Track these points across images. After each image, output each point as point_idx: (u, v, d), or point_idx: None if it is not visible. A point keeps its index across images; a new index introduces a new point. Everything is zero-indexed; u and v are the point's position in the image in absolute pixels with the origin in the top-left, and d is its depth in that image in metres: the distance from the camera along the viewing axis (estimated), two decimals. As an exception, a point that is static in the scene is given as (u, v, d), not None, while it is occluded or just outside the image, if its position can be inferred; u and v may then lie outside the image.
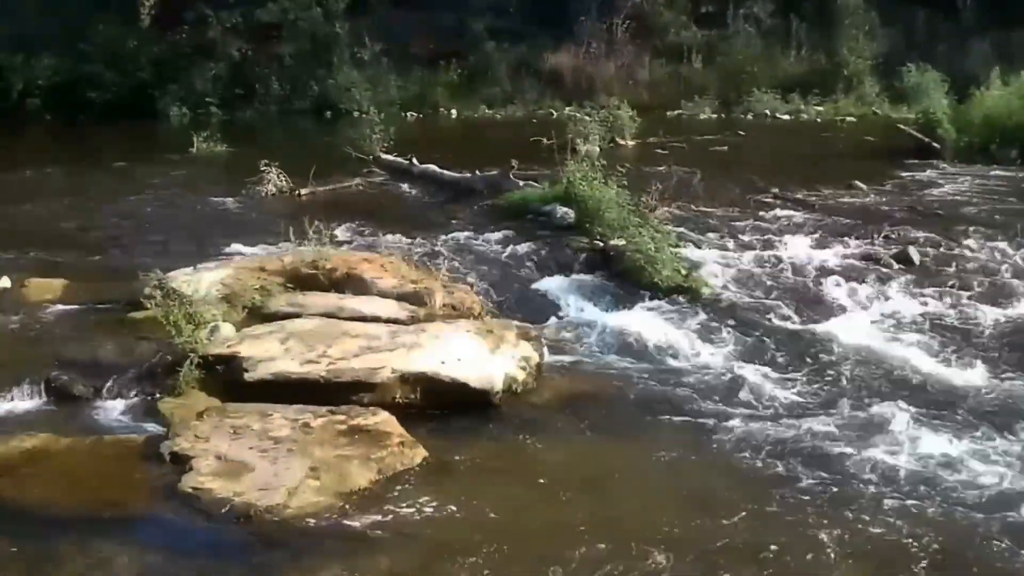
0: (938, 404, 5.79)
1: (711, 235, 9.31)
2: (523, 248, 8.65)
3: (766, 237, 9.30)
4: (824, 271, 8.24)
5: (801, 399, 5.90)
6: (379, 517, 4.44)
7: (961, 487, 4.75)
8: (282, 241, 8.24)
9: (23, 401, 5.63)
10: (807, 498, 4.67)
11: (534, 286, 8.03)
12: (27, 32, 22.17)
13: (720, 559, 4.14)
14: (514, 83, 23.49)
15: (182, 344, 5.84)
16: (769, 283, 7.99)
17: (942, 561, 4.15)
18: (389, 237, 9.12)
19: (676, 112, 21.61)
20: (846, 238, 9.27)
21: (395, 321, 6.59)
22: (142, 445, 5.12)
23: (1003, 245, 9.04)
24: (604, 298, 7.70)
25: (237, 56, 22.57)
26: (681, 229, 9.18)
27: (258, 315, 6.72)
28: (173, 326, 5.93)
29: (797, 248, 8.94)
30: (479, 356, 5.94)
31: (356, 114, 20.61)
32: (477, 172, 11.52)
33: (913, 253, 8.52)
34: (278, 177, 11.76)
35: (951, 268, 8.36)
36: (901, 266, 8.34)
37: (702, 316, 7.25)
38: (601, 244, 8.48)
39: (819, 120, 20.67)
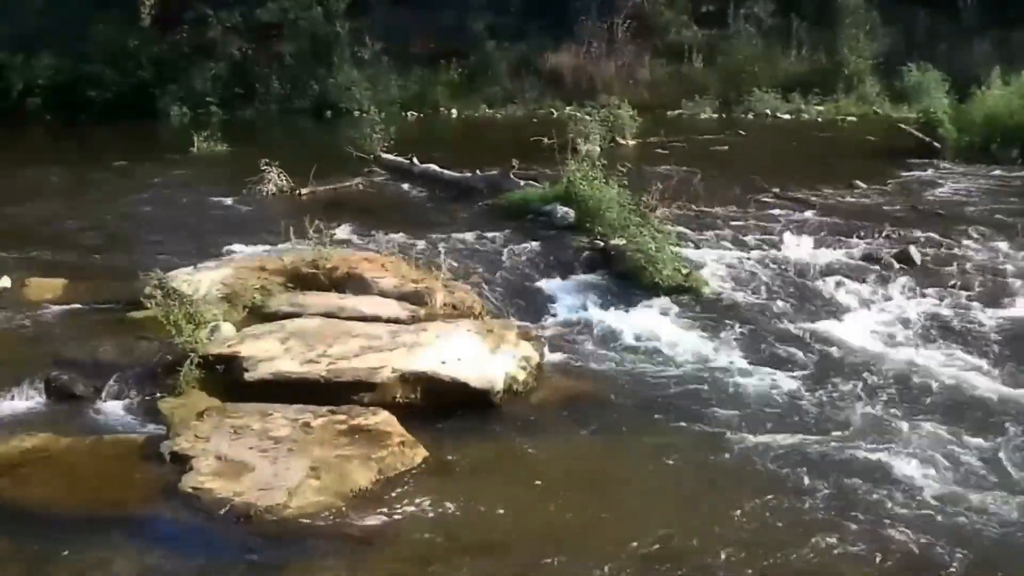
0: (939, 404, 5.78)
1: (712, 235, 9.31)
2: (524, 248, 8.64)
3: (767, 237, 9.29)
4: (825, 271, 8.24)
5: (801, 399, 5.89)
6: (379, 517, 4.44)
7: (962, 487, 4.74)
8: (282, 241, 8.23)
9: (23, 401, 5.64)
10: (807, 498, 4.67)
11: (535, 286, 8.03)
12: (27, 31, 22.17)
13: (720, 559, 4.13)
14: (514, 82, 23.49)
15: (182, 344, 5.84)
16: (770, 283, 7.99)
17: (942, 561, 4.14)
18: (390, 236, 9.11)
19: (677, 112, 21.61)
20: (847, 238, 9.26)
21: (395, 321, 6.58)
22: (142, 445, 5.12)
23: (1004, 245, 9.04)
24: (605, 298, 7.69)
25: (237, 55, 22.57)
26: (682, 229, 9.17)
27: (258, 315, 6.72)
28: (173, 326, 5.92)
29: (798, 248, 8.93)
30: (479, 356, 5.94)
31: (356, 113, 20.63)
32: (477, 172, 11.51)
33: (914, 253, 8.52)
34: (278, 176, 11.76)
35: (952, 268, 8.35)
36: (902, 266, 8.34)
37: (702, 316, 7.25)
38: (602, 244, 8.48)
39: (820, 120, 20.67)
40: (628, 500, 4.74)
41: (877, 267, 8.33)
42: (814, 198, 11.18)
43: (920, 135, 15.20)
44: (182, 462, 4.81)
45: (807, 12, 23.40)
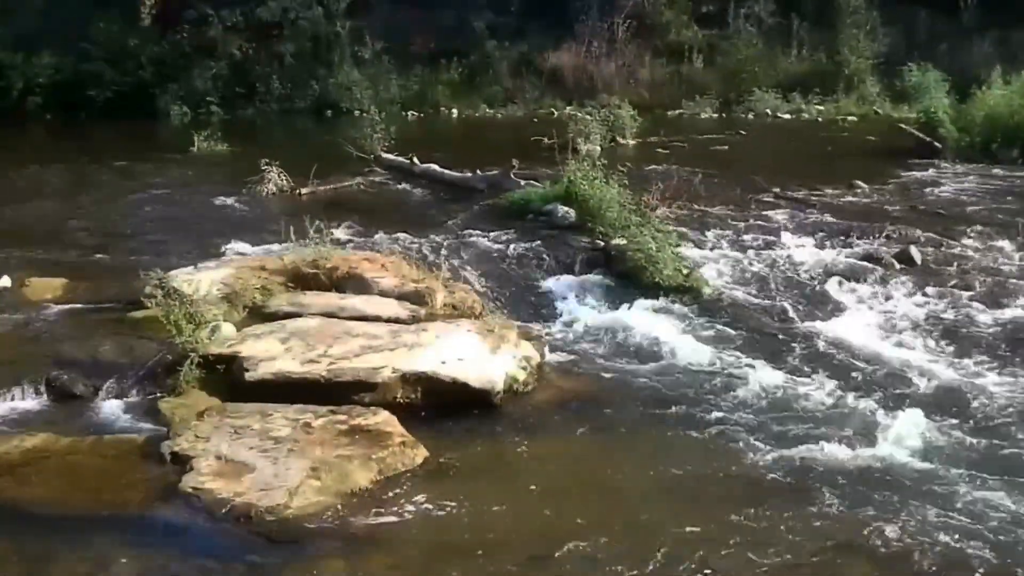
0: (940, 404, 5.78)
1: (712, 235, 9.31)
2: (524, 247, 8.64)
3: (767, 237, 9.29)
4: (825, 271, 8.24)
5: (802, 399, 5.89)
6: (380, 517, 4.44)
7: (963, 488, 4.74)
8: (283, 240, 8.22)
9: (23, 400, 5.63)
10: (808, 498, 4.67)
11: (535, 285, 8.03)
12: (28, 31, 22.13)
13: (721, 559, 4.13)
14: (515, 82, 23.46)
15: (183, 343, 5.84)
16: (770, 283, 7.99)
17: (943, 561, 4.14)
18: (390, 236, 9.11)
19: (677, 111, 21.60)
20: (847, 238, 9.27)
21: (396, 320, 6.58)
22: (142, 445, 5.12)
23: (1004, 245, 9.05)
24: (605, 298, 7.69)
25: (238, 55, 22.53)
26: (682, 229, 9.17)
27: (259, 314, 6.71)
28: (174, 325, 5.92)
29: (798, 248, 8.94)
30: (480, 356, 5.94)
31: (357, 113, 20.59)
32: (478, 171, 11.52)
33: (914, 253, 8.52)
34: (279, 176, 11.74)
35: (952, 268, 8.36)
36: (903, 266, 8.34)
37: (703, 316, 7.25)
38: (602, 243, 8.48)
39: (820, 120, 20.66)
40: (628, 500, 4.74)
41: (877, 267, 8.33)
42: (814, 198, 11.18)
43: (921, 135, 15.20)
44: (182, 462, 4.81)
45: (807, 12, 23.37)
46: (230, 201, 11.45)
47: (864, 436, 5.32)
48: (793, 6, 23.32)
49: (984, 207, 10.87)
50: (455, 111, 22.81)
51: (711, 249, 8.87)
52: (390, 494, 4.63)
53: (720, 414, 5.64)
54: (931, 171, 13.44)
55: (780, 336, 6.95)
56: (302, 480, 4.61)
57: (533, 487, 4.83)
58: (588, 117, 13.96)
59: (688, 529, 4.39)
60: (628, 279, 7.84)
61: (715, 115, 21.57)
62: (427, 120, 21.85)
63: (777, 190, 11.41)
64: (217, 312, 6.42)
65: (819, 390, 6.00)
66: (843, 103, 21.53)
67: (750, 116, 21.08)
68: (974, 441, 5.25)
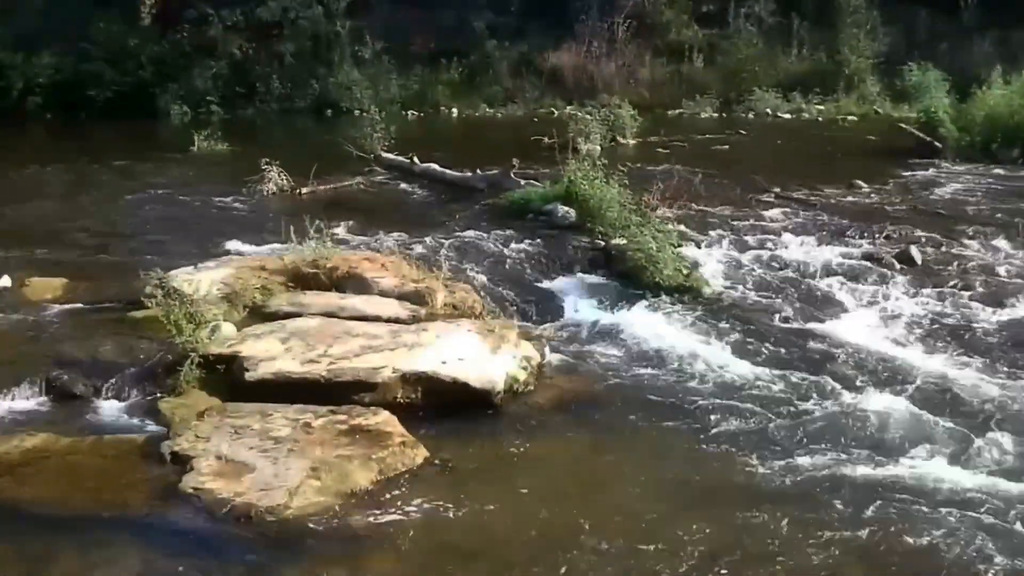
0: (940, 405, 5.77)
1: (712, 234, 9.30)
2: (524, 247, 8.64)
3: (767, 236, 9.29)
4: (826, 271, 8.24)
5: (802, 399, 5.88)
6: (380, 517, 4.44)
7: (964, 488, 4.74)
8: (283, 240, 8.22)
9: (23, 400, 5.62)
10: (808, 498, 4.67)
11: (535, 285, 8.03)
12: (28, 30, 22.13)
13: (721, 560, 4.13)
14: (515, 82, 23.46)
15: (183, 343, 5.83)
16: (770, 283, 7.99)
17: (943, 561, 4.14)
18: (390, 236, 9.11)
19: (677, 111, 21.61)
20: (848, 238, 9.27)
21: (396, 320, 6.58)
22: (142, 445, 5.11)
23: (1005, 245, 9.05)
24: (605, 297, 7.69)
25: (238, 55, 22.54)
26: (682, 228, 9.16)
27: (259, 314, 6.71)
28: (174, 325, 5.91)
29: (798, 248, 8.94)
30: (480, 356, 5.93)
31: (357, 113, 20.60)
32: (478, 171, 11.51)
33: (915, 253, 8.52)
34: (279, 176, 11.74)
35: (953, 268, 8.35)
36: (903, 266, 8.34)
37: (703, 316, 7.23)
38: (602, 243, 8.48)
39: (820, 119, 20.66)
40: (628, 500, 4.73)
41: (878, 267, 8.33)
42: (815, 198, 11.19)
43: (921, 135, 15.20)
44: (182, 462, 4.80)
45: (808, 11, 23.38)
46: (230, 201, 11.45)
47: (865, 437, 5.32)
48: (793, 5, 23.33)
49: (984, 207, 10.87)
50: (455, 111, 22.81)
51: (711, 249, 8.86)
52: (390, 494, 4.63)
53: (720, 414, 5.64)
54: (931, 171, 13.44)
55: (780, 336, 6.94)
56: (302, 480, 4.61)
57: (533, 487, 4.82)
58: (588, 117, 13.97)
59: (688, 530, 4.38)
60: (628, 279, 7.84)
61: (715, 115, 21.57)
62: (427, 120, 21.85)
63: (777, 190, 11.41)
64: (217, 312, 6.41)
65: (819, 390, 6.00)
66: (843, 103, 21.54)
67: (750, 116, 21.08)
68: (975, 441, 5.24)
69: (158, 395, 5.67)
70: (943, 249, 8.89)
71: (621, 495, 4.80)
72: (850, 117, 20.55)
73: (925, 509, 4.54)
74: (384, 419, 5.22)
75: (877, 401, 5.79)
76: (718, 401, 5.84)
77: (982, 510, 4.52)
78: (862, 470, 4.93)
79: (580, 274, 8.19)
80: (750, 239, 9.20)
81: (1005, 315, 7.32)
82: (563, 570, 4.07)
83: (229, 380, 5.72)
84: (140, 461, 4.95)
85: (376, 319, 6.56)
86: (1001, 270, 8.33)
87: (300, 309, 6.71)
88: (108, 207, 11.40)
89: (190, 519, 4.40)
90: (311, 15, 22.63)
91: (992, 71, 16.66)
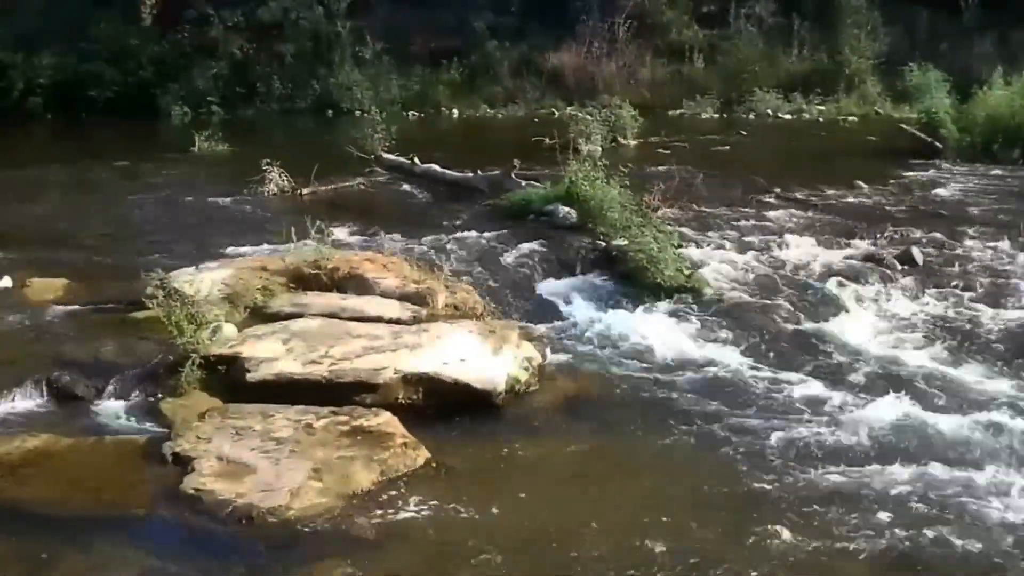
0: (941, 405, 5.78)
1: (713, 235, 9.30)
2: (525, 248, 8.63)
3: (768, 237, 9.29)
4: (826, 271, 8.24)
5: (803, 400, 5.88)
6: (382, 518, 4.44)
7: (965, 489, 4.73)
8: (284, 241, 8.22)
9: (24, 401, 5.61)
10: (809, 500, 4.66)
11: (536, 286, 8.02)
12: (28, 30, 22.13)
13: (722, 560, 4.13)
14: (515, 82, 23.43)
15: (184, 344, 5.83)
16: (771, 283, 7.99)
17: (943, 562, 4.14)
18: (391, 237, 9.11)
19: (678, 112, 21.58)
20: (848, 238, 9.27)
21: (397, 321, 6.57)
22: (144, 446, 5.11)
23: (1006, 245, 9.05)
24: (607, 298, 7.69)
25: (238, 55, 22.52)
26: (683, 229, 9.17)
27: (260, 315, 6.70)
28: (175, 326, 5.91)
29: (799, 248, 8.94)
30: (482, 357, 5.93)
31: (357, 113, 20.57)
32: (479, 172, 11.50)
33: (916, 253, 8.52)
34: (280, 176, 11.73)
35: (954, 268, 8.35)
36: (904, 266, 8.34)
37: (704, 316, 7.24)
38: (603, 244, 8.47)
39: (821, 120, 20.64)
40: (630, 501, 4.73)
41: (879, 267, 8.32)
42: (815, 198, 11.18)
43: (922, 135, 15.18)
44: (184, 463, 4.80)
45: (808, 12, 23.34)
46: (231, 201, 11.45)
47: (865, 437, 5.31)
48: (794, 6, 23.29)
49: (985, 207, 10.87)
50: (456, 111, 22.80)
51: (712, 249, 8.86)
52: (392, 495, 4.63)
53: (721, 415, 5.64)
54: (932, 171, 13.43)
55: (781, 337, 6.94)
56: (304, 481, 4.60)
57: (535, 488, 4.82)
58: (589, 117, 13.96)
59: (689, 530, 4.39)
60: (629, 280, 7.84)
61: (716, 115, 21.55)
62: (428, 120, 21.84)
63: (778, 190, 11.40)
64: (218, 313, 6.41)
65: (820, 391, 6.00)
66: (844, 103, 21.51)
67: (751, 116, 21.06)
68: (977, 442, 5.24)
69: (159, 396, 5.66)
70: (944, 250, 8.88)
71: (622, 496, 4.80)
72: (851, 117, 20.53)
73: (925, 509, 4.54)
74: (385, 420, 5.22)
75: (877, 402, 5.79)
76: (719, 402, 5.84)
77: (982, 510, 4.52)
78: (863, 471, 4.93)
79: (581, 275, 8.19)
80: (751, 240, 9.20)
81: (1006, 315, 7.32)
82: (564, 571, 4.07)
83: (230, 381, 5.72)
84: (141, 462, 4.95)
85: (377, 320, 6.56)
86: (1002, 270, 8.33)
87: (301, 310, 6.71)
88: (109, 207, 11.40)
89: (191, 520, 4.40)
90: (312, 15, 22.62)
91: (993, 71, 16.63)
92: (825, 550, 4.22)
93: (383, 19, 23.58)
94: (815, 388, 6.04)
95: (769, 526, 4.41)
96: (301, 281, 7.24)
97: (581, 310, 7.56)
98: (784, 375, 6.26)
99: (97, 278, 7.80)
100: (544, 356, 6.35)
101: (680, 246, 8.25)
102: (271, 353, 5.86)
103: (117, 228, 10.35)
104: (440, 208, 10.90)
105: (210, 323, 6.18)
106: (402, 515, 4.47)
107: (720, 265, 8.36)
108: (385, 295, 7.06)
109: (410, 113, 22.07)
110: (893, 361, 6.50)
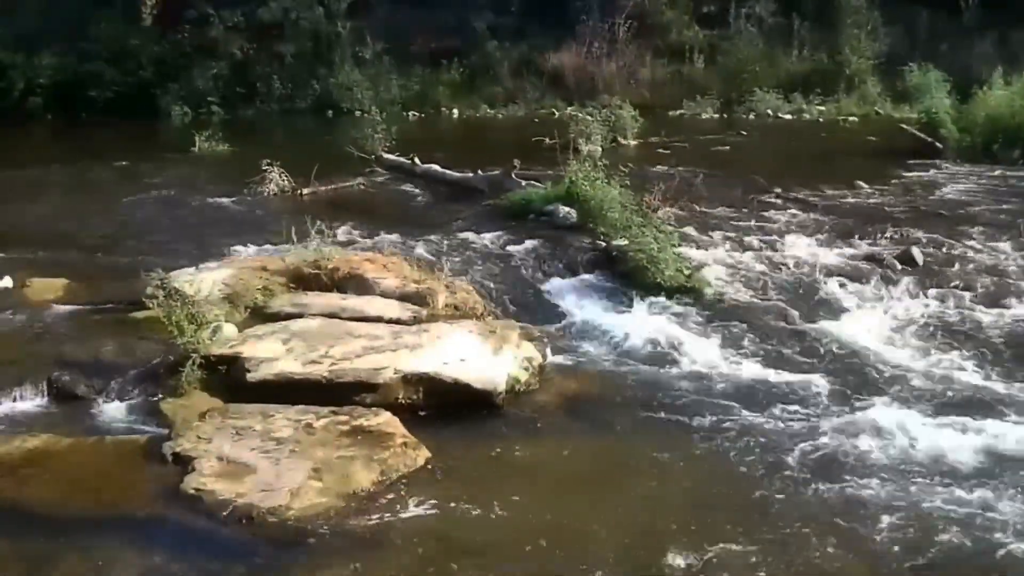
0: (941, 405, 5.78)
1: (714, 235, 9.30)
2: (526, 248, 8.63)
3: (769, 237, 9.29)
4: (827, 271, 8.23)
5: (803, 400, 5.89)
6: (382, 518, 4.44)
7: (965, 489, 4.74)
8: (284, 241, 8.22)
9: (24, 401, 5.62)
10: (809, 500, 4.67)
11: (537, 286, 8.02)
12: (28, 30, 22.13)
13: (722, 560, 4.13)
14: (516, 82, 23.43)
15: (184, 344, 5.83)
16: (772, 283, 7.98)
17: (943, 563, 4.14)
18: (391, 237, 9.10)
19: (678, 112, 21.57)
20: (849, 238, 9.26)
21: (397, 321, 6.58)
22: (144, 446, 5.12)
23: (1006, 245, 9.04)
24: (607, 298, 7.69)
25: (239, 55, 22.53)
26: (684, 229, 9.16)
27: (260, 315, 6.71)
28: (175, 326, 5.92)
29: (800, 248, 8.92)
30: (482, 357, 5.93)
31: (358, 113, 20.58)
32: (479, 172, 11.50)
33: (916, 253, 8.51)
34: (280, 176, 11.74)
35: (954, 268, 8.34)
36: (904, 266, 8.33)
37: (705, 316, 7.24)
38: (604, 244, 8.47)
39: (821, 120, 20.64)
40: (631, 501, 4.74)
41: (879, 267, 8.32)
42: (816, 198, 11.18)
43: (922, 135, 15.18)
44: (184, 463, 4.81)
45: (808, 12, 23.34)
46: (231, 201, 11.45)
47: (865, 438, 5.31)
48: (794, 6, 23.29)
49: (985, 208, 10.86)
50: (456, 111, 22.81)
51: (712, 249, 8.85)
52: (392, 495, 4.63)
53: (722, 415, 5.64)
54: (932, 172, 13.42)
55: (781, 337, 6.94)
56: (304, 481, 4.61)
57: (535, 488, 4.82)
58: (589, 117, 13.97)
59: (690, 530, 4.39)
60: (630, 280, 7.83)
61: (716, 115, 21.55)
62: (428, 120, 21.85)
63: (778, 190, 11.40)
64: (219, 313, 6.41)
65: (820, 391, 6.00)
66: (844, 103, 21.50)
67: (751, 116, 21.06)
68: (977, 442, 5.24)
69: (159, 396, 5.67)
70: (944, 250, 8.88)
71: (622, 496, 4.80)
72: (851, 118, 20.52)
73: (924, 510, 4.54)
74: (386, 420, 5.23)
75: (878, 402, 5.79)
76: (719, 402, 5.84)
77: (982, 510, 4.52)
78: (863, 472, 4.93)
79: (581, 275, 8.18)
80: (751, 239, 9.19)
81: (1007, 316, 7.32)
82: (565, 571, 4.07)
83: (230, 381, 5.72)
84: (142, 462, 4.96)
85: (378, 320, 6.56)
86: (1002, 271, 8.32)
87: (301, 310, 6.71)
88: (109, 207, 11.40)
89: (192, 520, 4.41)
90: (312, 15, 22.63)
91: (993, 71, 16.62)
92: (825, 550, 4.23)
93: (383, 19, 23.58)
94: (815, 388, 6.04)
95: (769, 526, 4.41)
96: (301, 281, 7.25)
97: (581, 310, 7.56)
98: (784, 375, 6.26)
99: (97, 278, 7.80)
100: (544, 356, 6.35)
101: (680, 246, 8.24)
102: (271, 353, 5.87)
103: (117, 228, 10.34)
104: (440, 208, 10.90)
105: (210, 323, 6.18)
106: (402, 515, 4.47)
107: (720, 265, 8.35)
108: (385, 295, 7.07)
109: (410, 113, 22.08)
110: (893, 361, 6.50)
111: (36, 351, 6.14)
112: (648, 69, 23.39)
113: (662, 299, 7.49)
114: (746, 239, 9.21)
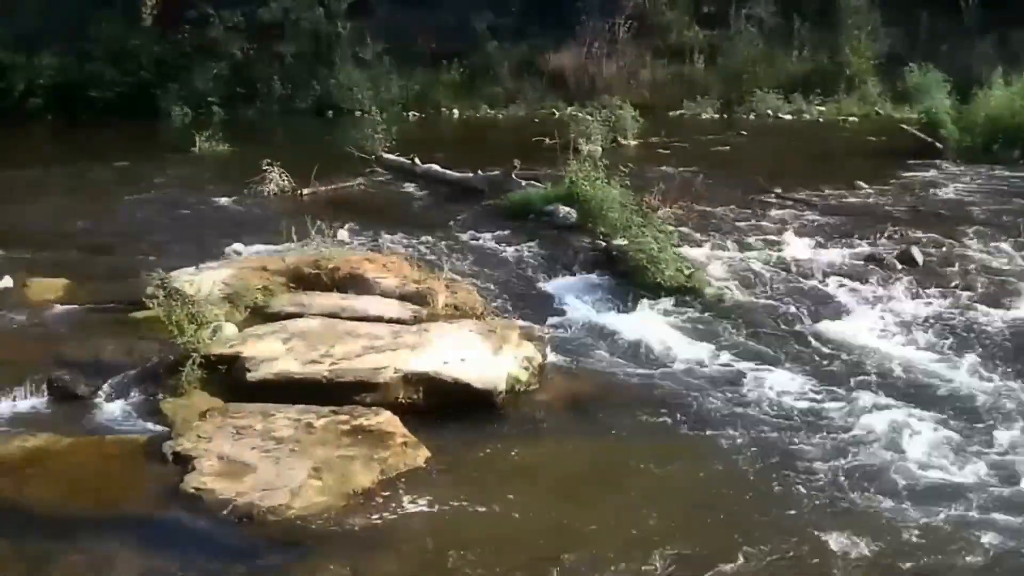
0: (941, 405, 5.77)
1: (714, 235, 9.30)
2: (526, 248, 8.65)
3: (769, 237, 9.30)
4: (827, 271, 8.23)
5: (803, 400, 5.89)
6: (382, 517, 4.44)
7: (965, 490, 4.73)
8: (284, 241, 8.23)
9: (25, 401, 5.63)
10: (809, 500, 4.67)
11: (537, 286, 8.03)
12: (28, 31, 22.14)
13: (722, 560, 4.12)
14: (516, 83, 23.43)
15: (184, 344, 5.84)
16: (772, 283, 7.98)
17: (944, 564, 4.14)
18: (391, 237, 9.12)
19: (678, 112, 21.57)
20: (849, 238, 9.26)
21: (398, 321, 6.58)
22: (144, 445, 5.12)
23: (1006, 245, 9.03)
24: (607, 298, 7.69)
25: (239, 55, 22.54)
26: (684, 229, 9.17)
27: (261, 315, 6.72)
28: (175, 326, 5.92)
29: (800, 248, 8.93)
30: (482, 356, 5.93)
31: (358, 113, 20.58)
32: (479, 172, 11.51)
33: (916, 253, 8.51)
34: (280, 176, 11.75)
35: (954, 268, 8.34)
36: (904, 266, 8.33)
37: (705, 316, 7.24)
38: (604, 244, 8.48)
39: (821, 120, 20.63)
40: (630, 501, 4.74)
41: (879, 268, 8.32)
42: (816, 198, 11.18)
43: (922, 135, 15.17)
44: (184, 462, 4.81)
45: (809, 12, 23.32)
46: (231, 201, 11.46)
47: (865, 437, 5.31)
48: (794, 6, 23.28)
49: (985, 208, 10.86)
50: (456, 112, 22.81)
51: (712, 249, 8.86)
52: (392, 494, 4.63)
53: (721, 415, 5.64)
54: (932, 172, 13.41)
55: (781, 337, 6.94)
56: (304, 480, 4.61)
57: (535, 488, 4.83)
58: (589, 118, 13.98)
59: (690, 530, 4.39)
60: (630, 280, 7.83)
61: (716, 116, 21.55)
62: (428, 121, 21.85)
63: (778, 191, 11.40)
64: (219, 312, 6.42)
65: (820, 391, 6.00)
66: (844, 103, 21.49)
67: (751, 116, 21.06)
68: (977, 442, 5.24)
69: (160, 396, 5.68)
70: (944, 250, 8.88)
71: (622, 495, 4.80)
72: (851, 118, 20.51)
73: (924, 510, 4.54)
74: (386, 419, 5.23)
75: (878, 402, 5.79)
76: (719, 402, 5.84)
77: (982, 510, 4.52)
78: (864, 472, 4.93)
79: (581, 275, 8.19)
80: (751, 239, 9.20)
81: (1007, 315, 7.30)
82: (565, 570, 4.07)
83: (231, 381, 5.73)
84: (142, 461, 4.96)
85: (378, 320, 6.57)
86: (1002, 271, 8.32)
87: (302, 310, 6.72)
88: (109, 208, 11.41)
89: (192, 519, 4.41)
90: (312, 16, 22.63)
91: (993, 72, 16.62)
92: (825, 551, 4.22)
93: (383, 19, 23.58)
94: (815, 388, 6.04)
95: (768, 526, 4.41)
96: (301, 281, 7.26)
97: (581, 310, 7.56)
98: (784, 375, 6.26)
99: (97, 278, 7.81)
100: (544, 356, 6.35)
101: (680, 246, 8.25)
102: (271, 353, 5.87)
103: (117, 228, 10.35)
104: (440, 208, 10.91)
105: (210, 323, 6.19)
106: (402, 514, 4.47)
107: (720, 265, 8.35)
108: (385, 295, 7.08)
109: (410, 113, 22.08)
110: (893, 361, 6.49)
111: (36, 351, 6.14)
112: (648, 69, 23.39)
113: (662, 299, 7.49)
114: (746, 239, 9.21)
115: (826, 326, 7.15)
